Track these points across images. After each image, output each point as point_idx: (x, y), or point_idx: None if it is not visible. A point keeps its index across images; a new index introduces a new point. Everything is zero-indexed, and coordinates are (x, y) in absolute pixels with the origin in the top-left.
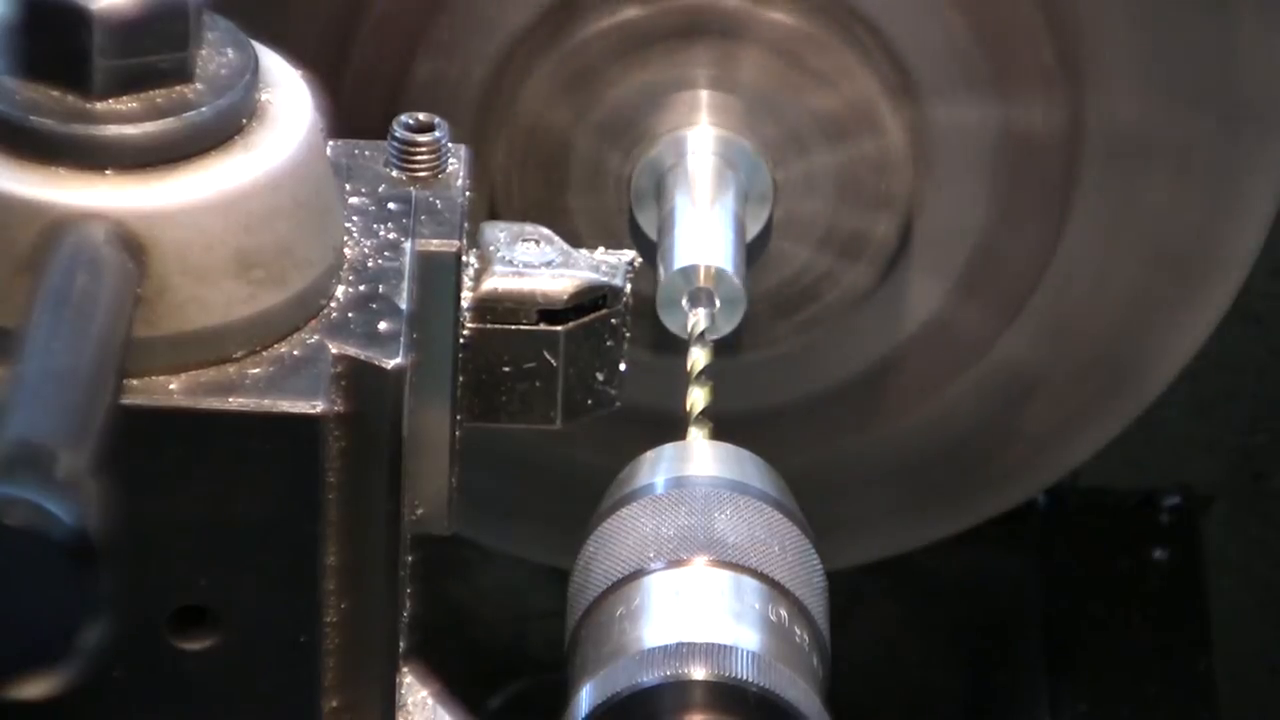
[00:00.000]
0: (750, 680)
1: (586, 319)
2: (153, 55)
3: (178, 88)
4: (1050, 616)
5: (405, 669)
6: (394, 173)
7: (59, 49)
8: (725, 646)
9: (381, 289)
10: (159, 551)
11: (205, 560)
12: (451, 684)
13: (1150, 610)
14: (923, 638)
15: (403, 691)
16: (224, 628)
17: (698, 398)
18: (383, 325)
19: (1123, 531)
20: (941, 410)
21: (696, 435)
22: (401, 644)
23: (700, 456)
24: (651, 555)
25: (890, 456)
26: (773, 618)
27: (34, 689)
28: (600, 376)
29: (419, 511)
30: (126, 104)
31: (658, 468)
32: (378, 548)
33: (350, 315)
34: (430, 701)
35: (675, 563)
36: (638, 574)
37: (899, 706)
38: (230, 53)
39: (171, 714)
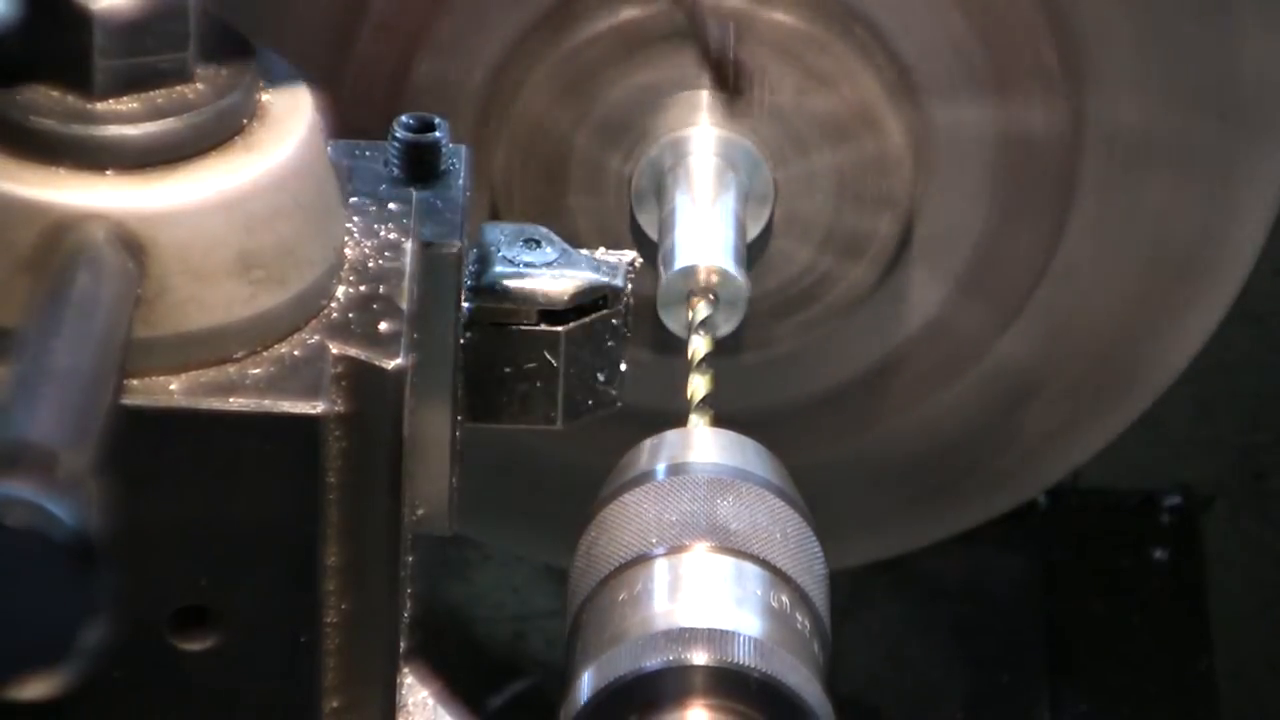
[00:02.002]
0: (752, 666)
1: (587, 319)
2: (153, 55)
3: (178, 88)
4: (1050, 616)
5: (406, 669)
6: (395, 173)
7: (60, 49)
8: (727, 632)
9: (382, 289)
10: (159, 551)
11: (205, 560)
12: (452, 684)
13: (1150, 610)
14: (923, 638)
15: (403, 691)
16: (224, 628)
17: (699, 385)
18: (383, 325)
19: (1123, 531)
20: (941, 411)
21: (698, 422)
22: (402, 644)
23: (702, 443)
24: (654, 541)
25: (890, 457)
26: (774, 604)
27: (34, 689)
28: (601, 377)
29: (419, 511)
30: (127, 104)
31: (660, 454)
32: (378, 548)
33: (351, 315)
34: (431, 701)
35: (677, 548)
36: (640, 559)
37: (900, 706)
38: (230, 53)
39: (171, 714)
